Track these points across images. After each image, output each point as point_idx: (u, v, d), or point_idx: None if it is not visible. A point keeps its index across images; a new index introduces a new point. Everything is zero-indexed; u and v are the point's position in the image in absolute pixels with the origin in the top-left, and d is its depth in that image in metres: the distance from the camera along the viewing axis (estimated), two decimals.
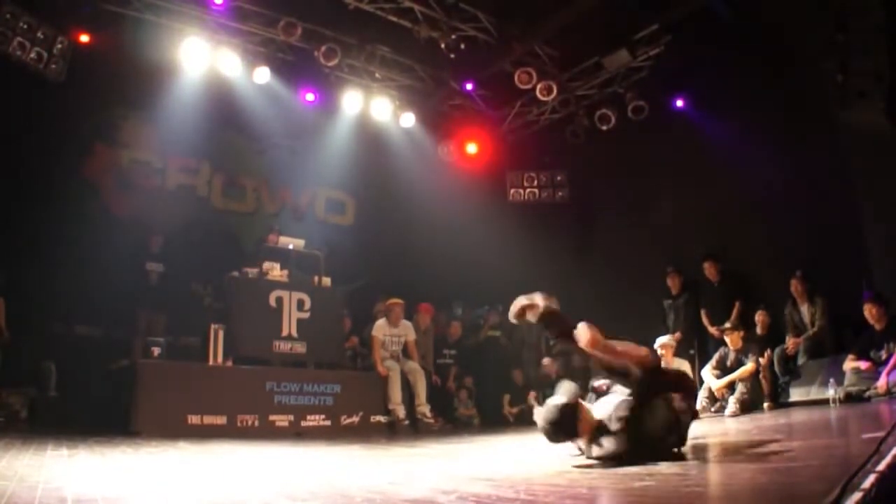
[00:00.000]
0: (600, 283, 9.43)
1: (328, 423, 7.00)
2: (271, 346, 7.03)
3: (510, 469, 3.36)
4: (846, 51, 5.97)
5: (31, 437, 4.89)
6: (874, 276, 6.71)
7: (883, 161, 6.47)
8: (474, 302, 10.31)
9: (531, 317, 3.26)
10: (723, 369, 6.98)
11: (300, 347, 7.18)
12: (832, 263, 7.12)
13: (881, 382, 5.86)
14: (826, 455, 2.87)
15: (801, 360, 6.96)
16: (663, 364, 2.97)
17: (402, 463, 3.98)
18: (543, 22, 8.58)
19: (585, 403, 3.13)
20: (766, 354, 6.94)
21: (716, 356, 7.15)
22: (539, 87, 9.18)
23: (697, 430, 5.64)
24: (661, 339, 7.69)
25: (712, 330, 7.84)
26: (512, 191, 10.93)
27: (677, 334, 8.11)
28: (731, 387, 6.81)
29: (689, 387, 3.56)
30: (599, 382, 7.87)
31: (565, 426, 2.94)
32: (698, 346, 8.13)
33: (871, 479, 1.80)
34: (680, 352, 7.85)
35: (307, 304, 7.30)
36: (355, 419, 7.20)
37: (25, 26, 7.22)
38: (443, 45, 8.65)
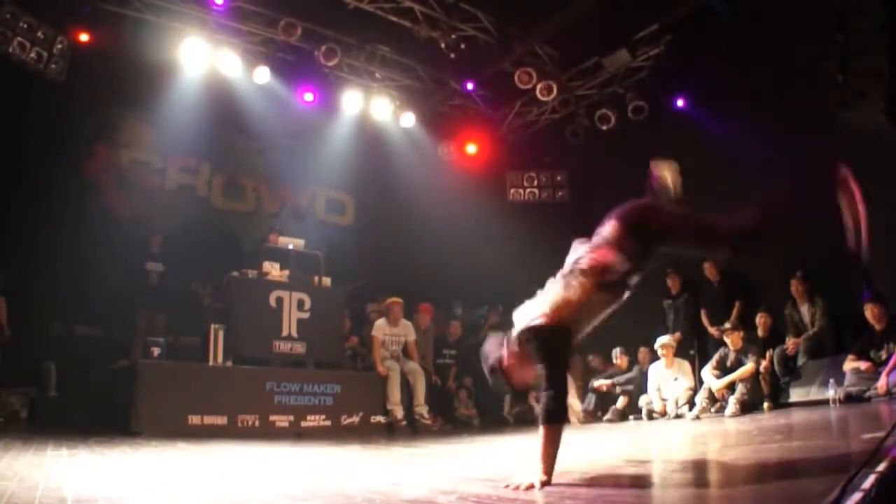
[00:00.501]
0: None
1: (328, 423, 7.00)
2: (271, 346, 7.02)
3: (510, 469, 3.36)
4: (846, 51, 5.96)
5: (31, 437, 4.89)
6: (874, 276, 6.71)
7: (883, 161, 6.47)
8: (474, 302, 10.31)
9: None
10: (723, 369, 6.99)
11: (300, 347, 7.17)
12: (832, 263, 7.11)
13: (881, 382, 5.86)
14: (826, 455, 2.87)
15: (801, 361, 6.96)
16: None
17: (402, 463, 3.99)
18: (543, 22, 8.59)
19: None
20: (766, 355, 6.95)
21: (716, 356, 7.15)
22: (539, 87, 9.18)
23: (697, 431, 5.65)
24: (661, 339, 7.71)
25: (712, 330, 7.85)
26: (512, 191, 10.94)
27: (677, 334, 8.12)
28: (731, 387, 6.82)
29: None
30: (599, 382, 7.91)
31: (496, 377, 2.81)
32: (698, 347, 8.12)
33: (871, 479, 1.80)
34: (680, 352, 7.87)
35: (307, 304, 7.30)
36: (355, 419, 7.20)
37: (25, 26, 7.23)
38: (443, 45, 8.65)
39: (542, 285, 2.99)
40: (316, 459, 4.30)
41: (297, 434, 6.58)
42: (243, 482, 3.12)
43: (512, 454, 4.47)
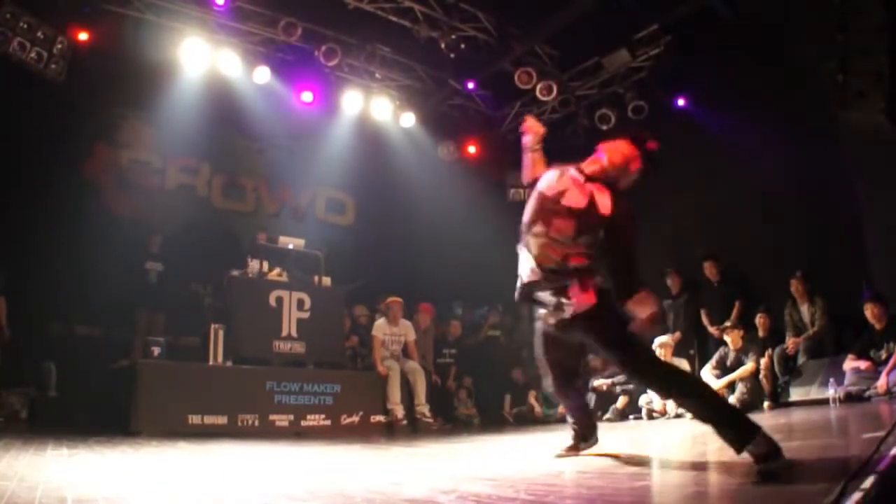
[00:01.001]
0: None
1: (328, 422, 7.00)
2: (271, 346, 7.02)
3: (510, 469, 3.36)
4: (846, 51, 5.96)
5: (31, 437, 4.89)
6: (874, 276, 6.71)
7: (883, 161, 6.47)
8: (474, 302, 10.31)
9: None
10: (723, 369, 6.99)
11: (300, 347, 7.18)
12: (832, 263, 7.12)
13: (881, 382, 5.86)
14: (826, 455, 2.87)
15: (801, 360, 6.96)
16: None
17: (402, 463, 3.98)
18: (543, 22, 8.59)
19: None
20: (766, 354, 6.95)
21: (716, 356, 7.16)
22: (539, 87, 9.18)
23: (697, 430, 5.65)
24: (660, 339, 7.71)
25: (712, 330, 7.85)
26: (512, 191, 10.92)
27: (677, 334, 8.12)
28: (731, 387, 6.82)
29: None
30: (599, 382, 7.91)
31: None
32: (698, 346, 8.13)
33: (871, 479, 1.80)
34: (680, 352, 7.87)
35: (307, 304, 7.30)
36: (355, 419, 7.20)
37: (25, 26, 7.22)
38: (443, 45, 8.65)
39: None
40: (316, 459, 4.30)
41: (297, 434, 6.58)
42: (243, 482, 3.12)
43: (512, 454, 4.47)
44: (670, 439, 5.14)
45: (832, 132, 6.85)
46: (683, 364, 7.63)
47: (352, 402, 7.24)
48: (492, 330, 9.78)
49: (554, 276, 2.84)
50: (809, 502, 1.79)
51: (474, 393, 9.06)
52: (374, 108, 9.83)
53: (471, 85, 9.88)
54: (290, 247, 7.80)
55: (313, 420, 6.91)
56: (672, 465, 3.18)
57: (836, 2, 6.19)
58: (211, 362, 6.61)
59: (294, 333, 7.16)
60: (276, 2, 8.18)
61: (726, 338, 7.13)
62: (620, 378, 8.13)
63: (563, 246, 2.82)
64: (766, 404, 6.68)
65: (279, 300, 7.14)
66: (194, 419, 6.14)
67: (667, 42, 8.59)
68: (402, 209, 10.40)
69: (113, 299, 7.52)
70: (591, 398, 8.23)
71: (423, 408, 7.69)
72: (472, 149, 11.01)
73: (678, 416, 7.20)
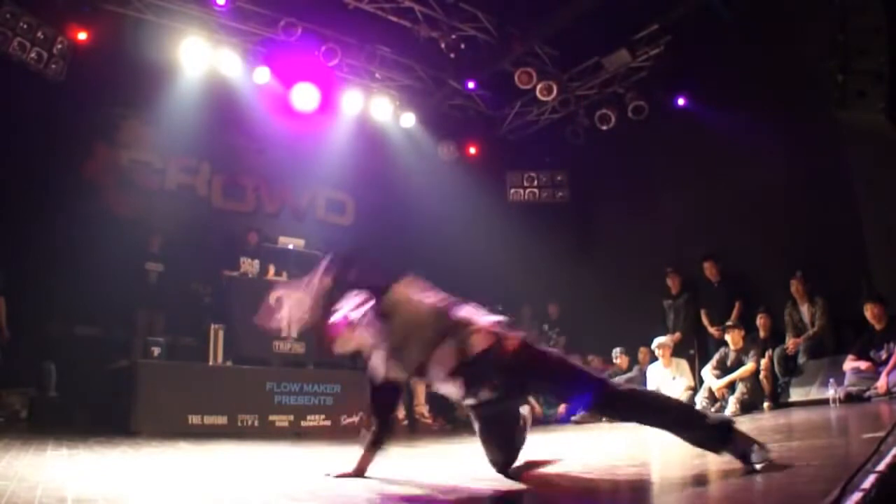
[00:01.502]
0: (600, 282, 9.43)
1: (328, 423, 7.00)
2: (271, 346, 7.03)
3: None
4: (846, 51, 5.96)
5: (31, 437, 4.89)
6: (874, 276, 6.71)
7: (883, 161, 6.47)
8: (474, 302, 10.29)
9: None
10: (723, 369, 6.99)
11: (300, 347, 7.17)
12: (832, 263, 7.12)
13: (881, 382, 5.86)
14: (826, 455, 2.87)
15: (801, 360, 6.95)
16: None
17: (402, 463, 3.98)
18: (543, 22, 8.59)
19: None
20: (766, 354, 6.95)
21: (716, 356, 7.16)
22: (539, 87, 9.18)
23: None
24: (659, 340, 7.71)
25: (712, 330, 7.85)
26: (512, 191, 10.93)
27: (677, 334, 8.13)
28: (731, 387, 6.82)
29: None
30: None
31: None
32: (698, 346, 8.13)
33: (871, 479, 1.80)
34: (680, 352, 7.87)
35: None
36: (355, 419, 7.20)
37: (25, 26, 7.22)
38: (443, 45, 8.66)
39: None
40: (316, 459, 4.30)
41: (297, 434, 6.58)
42: (243, 482, 3.11)
43: None
44: (670, 439, 5.13)
45: (832, 132, 6.85)
46: (683, 364, 7.64)
47: (352, 403, 7.23)
48: None
49: None
50: (809, 502, 1.79)
51: None
52: (374, 108, 9.83)
53: (471, 85, 9.88)
54: (290, 247, 7.80)
55: (313, 420, 6.91)
56: (672, 466, 3.18)
57: (836, 2, 6.19)
58: (211, 362, 6.62)
59: (294, 334, 7.15)
60: (276, 2, 8.18)
61: (727, 337, 7.13)
62: (621, 378, 8.13)
63: None
64: (766, 404, 6.68)
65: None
66: (194, 419, 6.14)
67: (667, 42, 8.59)
68: (402, 209, 10.40)
69: (113, 299, 7.51)
70: None
71: (422, 408, 7.69)
72: (472, 149, 11.02)
73: None
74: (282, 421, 6.69)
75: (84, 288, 7.33)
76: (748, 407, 6.62)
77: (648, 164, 9.46)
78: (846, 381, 6.13)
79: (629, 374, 8.10)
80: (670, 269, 8.57)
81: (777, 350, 7.02)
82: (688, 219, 8.75)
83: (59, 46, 7.55)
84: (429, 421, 7.64)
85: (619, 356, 8.44)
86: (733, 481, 2.32)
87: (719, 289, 8.08)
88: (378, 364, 2.78)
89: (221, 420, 6.30)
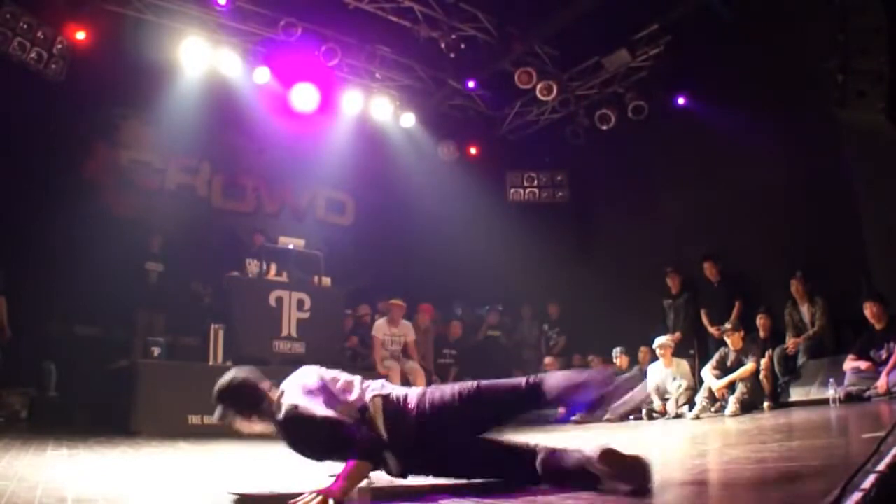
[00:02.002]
0: (600, 282, 9.43)
1: None
2: (271, 346, 7.02)
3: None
4: (846, 51, 5.96)
5: (31, 437, 4.89)
6: (874, 275, 6.71)
7: (883, 161, 6.47)
8: (474, 302, 10.31)
9: None
10: (723, 369, 6.99)
11: (300, 347, 7.17)
12: (832, 263, 7.12)
13: (881, 382, 5.86)
14: (826, 455, 2.87)
15: (801, 360, 6.95)
16: None
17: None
18: (543, 22, 8.59)
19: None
20: (766, 354, 6.95)
21: (716, 356, 7.15)
22: (539, 87, 9.18)
23: (697, 430, 5.65)
24: (660, 340, 7.71)
25: (712, 330, 7.85)
26: (512, 191, 10.93)
27: (677, 334, 8.12)
28: (731, 387, 6.82)
29: None
30: None
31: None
32: (698, 346, 8.13)
33: (871, 479, 1.80)
34: (680, 352, 7.87)
35: (307, 304, 7.30)
36: None
37: (25, 26, 7.22)
38: (443, 45, 8.65)
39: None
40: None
41: None
42: (243, 482, 3.11)
43: None
44: (670, 439, 5.14)
45: (832, 132, 6.85)
46: (684, 364, 7.64)
47: None
48: (492, 330, 9.78)
49: None
50: (809, 502, 1.79)
51: None
52: (374, 108, 9.83)
53: (471, 85, 9.88)
54: (291, 247, 7.80)
55: None
56: (672, 466, 3.18)
57: (836, 2, 6.19)
58: (211, 362, 6.61)
59: (294, 333, 7.16)
60: (276, 2, 8.18)
61: (727, 339, 7.13)
62: (620, 378, 8.13)
63: None
64: (766, 404, 6.68)
65: (279, 300, 7.14)
66: (194, 419, 6.14)
67: (667, 42, 8.59)
68: (402, 209, 10.41)
69: (113, 299, 7.52)
70: None
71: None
72: (472, 149, 11.02)
73: (678, 415, 7.21)
74: None
75: (84, 288, 7.34)
76: (748, 407, 6.62)
77: (648, 164, 9.46)
78: (846, 381, 6.13)
79: (629, 374, 8.10)
80: (670, 269, 8.57)
81: (777, 350, 7.02)
82: (688, 219, 8.75)
83: (59, 46, 7.55)
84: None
85: (619, 356, 8.44)
86: (734, 481, 2.32)
87: (719, 289, 8.08)
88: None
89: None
